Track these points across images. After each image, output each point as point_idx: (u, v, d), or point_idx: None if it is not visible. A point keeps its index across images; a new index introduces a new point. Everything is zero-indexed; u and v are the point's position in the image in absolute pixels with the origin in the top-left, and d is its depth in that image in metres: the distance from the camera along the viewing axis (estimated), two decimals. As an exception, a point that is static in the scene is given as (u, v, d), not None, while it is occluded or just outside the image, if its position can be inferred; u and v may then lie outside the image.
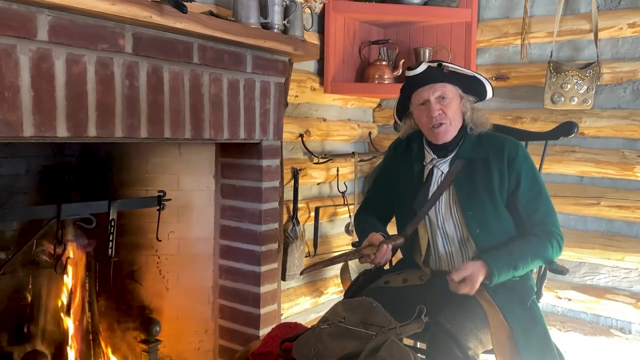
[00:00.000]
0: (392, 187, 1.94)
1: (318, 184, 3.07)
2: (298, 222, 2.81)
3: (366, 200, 2.07)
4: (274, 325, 1.93)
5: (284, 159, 2.47)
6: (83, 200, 2.22)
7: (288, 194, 2.75)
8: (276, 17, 2.15)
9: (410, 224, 1.82)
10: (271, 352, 1.69)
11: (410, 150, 1.89)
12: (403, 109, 1.92)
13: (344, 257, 1.81)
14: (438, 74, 1.75)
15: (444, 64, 1.76)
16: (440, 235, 1.80)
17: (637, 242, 2.68)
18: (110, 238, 2.03)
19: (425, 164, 1.85)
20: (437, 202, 1.78)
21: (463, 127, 1.82)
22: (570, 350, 2.64)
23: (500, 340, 1.59)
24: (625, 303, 2.72)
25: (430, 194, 1.80)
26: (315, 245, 3.00)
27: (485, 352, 1.64)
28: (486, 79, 1.82)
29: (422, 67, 1.75)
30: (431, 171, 1.83)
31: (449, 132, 1.77)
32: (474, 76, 1.80)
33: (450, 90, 1.76)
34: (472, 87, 1.81)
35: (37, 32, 1.44)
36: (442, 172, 1.80)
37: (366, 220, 1.95)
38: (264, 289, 2.33)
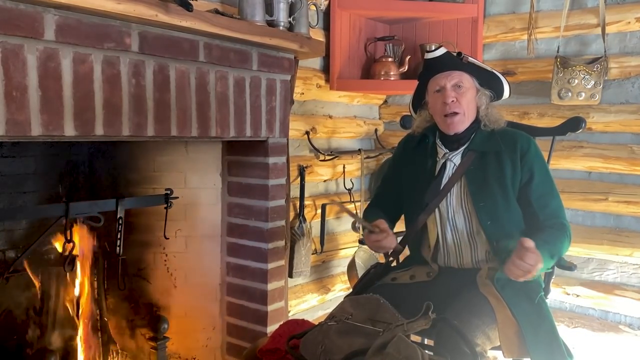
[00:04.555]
0: (401, 184, 1.93)
1: (324, 181, 3.07)
2: (305, 220, 2.81)
3: (376, 197, 2.07)
4: (281, 322, 1.94)
5: (290, 156, 2.47)
6: (91, 198, 2.24)
7: (294, 192, 2.75)
8: (282, 15, 2.15)
9: (422, 215, 1.82)
10: (279, 348, 1.69)
11: (423, 145, 1.89)
12: (419, 98, 1.92)
13: (352, 215, 1.83)
14: (456, 62, 1.78)
15: (464, 54, 1.79)
16: (449, 228, 1.80)
17: (646, 238, 2.67)
18: (118, 236, 2.04)
19: (438, 159, 1.85)
20: (449, 194, 1.79)
21: (477, 121, 1.82)
22: (579, 346, 2.63)
23: (508, 337, 1.59)
24: (634, 299, 2.71)
25: (442, 186, 1.80)
26: (322, 243, 3.00)
27: (493, 348, 1.64)
28: (504, 77, 1.84)
29: (441, 51, 1.79)
30: (443, 164, 1.83)
31: (461, 122, 1.78)
32: (492, 73, 1.83)
33: (467, 80, 1.79)
34: (489, 83, 1.83)
35: (44, 31, 1.44)
36: (454, 164, 1.81)
37: (374, 215, 1.94)
38: (271, 286, 2.33)
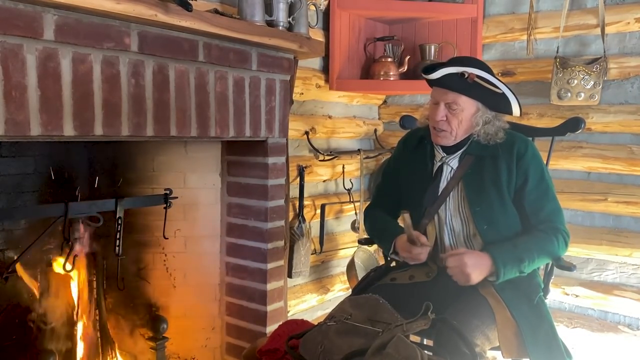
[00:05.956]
0: (401, 183, 1.93)
1: (324, 181, 3.07)
2: (304, 220, 2.81)
3: (377, 196, 2.06)
4: (280, 323, 1.94)
5: (289, 156, 2.47)
6: (90, 198, 2.23)
7: (294, 192, 2.75)
8: (281, 15, 2.15)
9: (423, 220, 1.81)
10: (278, 349, 1.69)
11: (421, 148, 1.89)
12: None
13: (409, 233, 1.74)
14: (458, 82, 1.70)
15: (469, 72, 1.69)
16: (447, 231, 1.80)
17: (645, 238, 2.67)
18: (118, 236, 2.04)
19: (435, 161, 1.85)
20: (447, 198, 1.78)
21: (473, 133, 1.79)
22: (578, 346, 2.63)
23: (507, 337, 1.59)
24: (633, 299, 2.71)
25: (440, 190, 1.80)
26: (321, 243, 3.00)
27: (492, 348, 1.64)
28: (515, 96, 1.73)
29: (439, 74, 1.71)
30: (440, 168, 1.82)
31: (447, 139, 1.77)
32: (498, 93, 1.72)
33: (464, 102, 1.71)
34: (497, 102, 1.74)
35: (43, 31, 1.44)
36: (452, 168, 1.80)
37: (383, 219, 1.94)
38: (271, 286, 2.33)
